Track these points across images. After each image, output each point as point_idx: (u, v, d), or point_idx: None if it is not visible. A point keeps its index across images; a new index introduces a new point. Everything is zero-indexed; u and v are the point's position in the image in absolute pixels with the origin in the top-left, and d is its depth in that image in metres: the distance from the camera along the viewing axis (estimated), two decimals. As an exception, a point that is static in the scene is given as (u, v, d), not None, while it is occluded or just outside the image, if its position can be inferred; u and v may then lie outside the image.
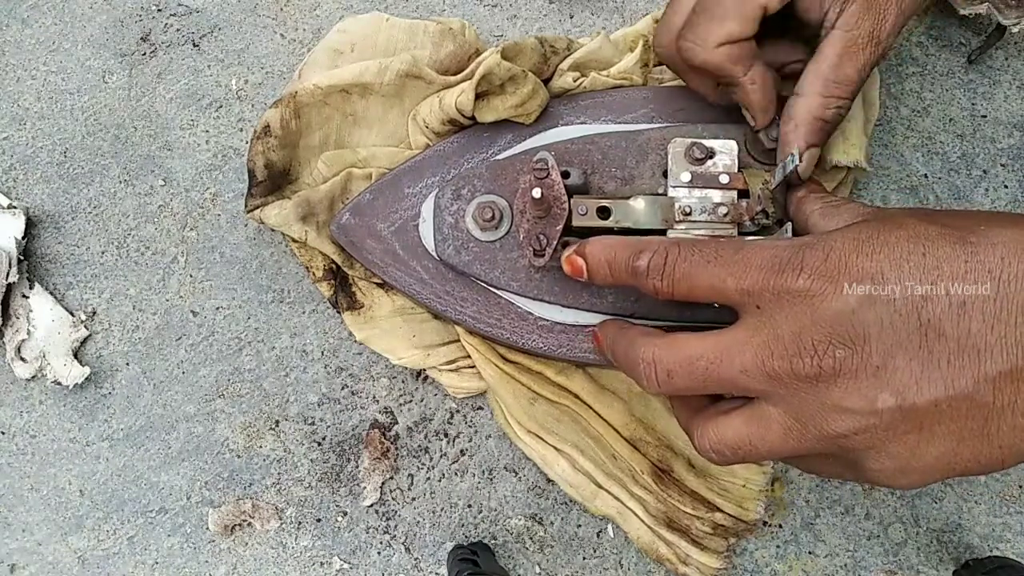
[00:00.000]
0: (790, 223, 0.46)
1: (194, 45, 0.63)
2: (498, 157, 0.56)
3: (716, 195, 0.50)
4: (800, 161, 0.46)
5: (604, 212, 0.50)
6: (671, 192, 0.50)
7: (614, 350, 0.46)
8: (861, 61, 0.46)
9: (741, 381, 0.39)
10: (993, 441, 0.35)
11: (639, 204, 0.50)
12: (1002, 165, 0.60)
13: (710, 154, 0.51)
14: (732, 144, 0.51)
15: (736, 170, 0.51)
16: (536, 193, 0.47)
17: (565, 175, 0.51)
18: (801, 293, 0.37)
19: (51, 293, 0.62)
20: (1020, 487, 0.59)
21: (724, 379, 0.39)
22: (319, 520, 0.61)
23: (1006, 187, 0.60)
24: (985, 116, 0.61)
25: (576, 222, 0.50)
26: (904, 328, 0.35)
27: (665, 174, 0.53)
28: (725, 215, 0.49)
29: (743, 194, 0.50)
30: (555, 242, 0.49)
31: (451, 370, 0.60)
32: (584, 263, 0.46)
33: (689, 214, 0.49)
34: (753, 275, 0.38)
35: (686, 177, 0.50)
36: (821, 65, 0.47)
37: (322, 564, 0.61)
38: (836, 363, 0.36)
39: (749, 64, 0.48)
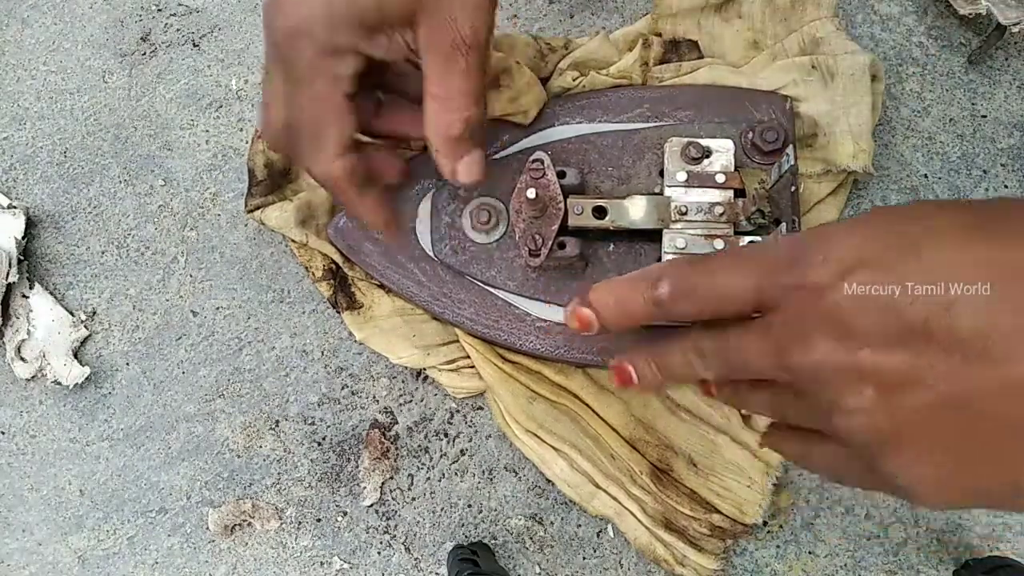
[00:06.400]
0: (784, 223, 0.46)
1: (194, 45, 0.63)
2: (495, 157, 0.56)
3: (712, 194, 0.50)
4: (794, 161, 0.45)
5: (600, 212, 0.50)
6: (667, 191, 0.50)
7: None
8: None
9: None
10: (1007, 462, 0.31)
11: (635, 204, 0.50)
12: (1002, 165, 0.60)
13: (706, 153, 0.51)
14: (728, 143, 0.51)
15: (732, 169, 0.50)
16: (531, 194, 0.47)
17: (561, 175, 0.51)
18: (806, 287, 0.34)
19: (51, 293, 0.62)
20: (1020, 487, 0.59)
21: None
22: (319, 520, 0.61)
23: (1006, 187, 0.60)
24: (985, 116, 0.60)
25: (572, 222, 0.50)
26: (898, 324, 0.32)
27: (661, 173, 0.53)
28: (721, 214, 0.49)
29: (739, 193, 0.50)
30: (551, 242, 0.49)
31: (451, 370, 0.60)
32: (591, 311, 0.42)
33: (685, 213, 0.49)
34: (767, 273, 0.36)
35: (682, 176, 0.50)
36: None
37: (322, 564, 0.61)
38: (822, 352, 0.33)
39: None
